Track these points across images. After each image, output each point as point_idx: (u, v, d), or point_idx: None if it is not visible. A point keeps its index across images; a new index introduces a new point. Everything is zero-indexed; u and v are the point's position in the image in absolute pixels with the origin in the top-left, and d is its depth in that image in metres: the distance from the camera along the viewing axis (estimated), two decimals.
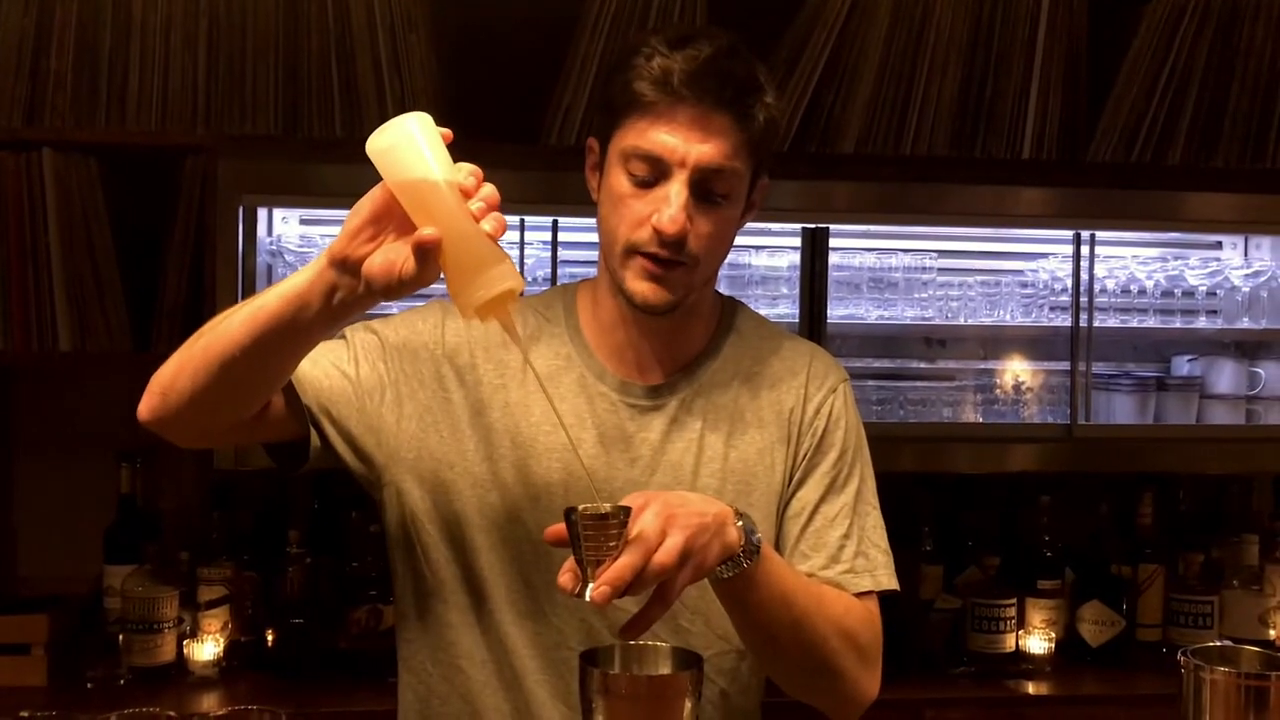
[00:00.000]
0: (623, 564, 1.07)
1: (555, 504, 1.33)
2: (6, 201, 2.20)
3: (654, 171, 1.30)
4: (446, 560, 1.39)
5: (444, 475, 1.38)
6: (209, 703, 2.10)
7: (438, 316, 1.43)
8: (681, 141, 1.28)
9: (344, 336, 1.41)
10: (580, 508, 1.06)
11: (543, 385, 1.25)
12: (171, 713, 1.14)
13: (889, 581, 1.40)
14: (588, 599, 1.05)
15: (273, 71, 2.26)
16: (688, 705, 1.03)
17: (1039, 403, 2.50)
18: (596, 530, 1.06)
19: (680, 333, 1.42)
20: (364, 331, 1.41)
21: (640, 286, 1.32)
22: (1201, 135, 2.46)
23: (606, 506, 1.07)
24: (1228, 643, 1.18)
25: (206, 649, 2.20)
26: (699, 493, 1.32)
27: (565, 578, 1.09)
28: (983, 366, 2.52)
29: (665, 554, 1.09)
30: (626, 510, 1.08)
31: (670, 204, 1.28)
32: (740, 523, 1.20)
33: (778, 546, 1.41)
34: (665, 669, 1.10)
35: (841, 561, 1.39)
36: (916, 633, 2.35)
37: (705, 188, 1.30)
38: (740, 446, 1.41)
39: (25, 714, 0.98)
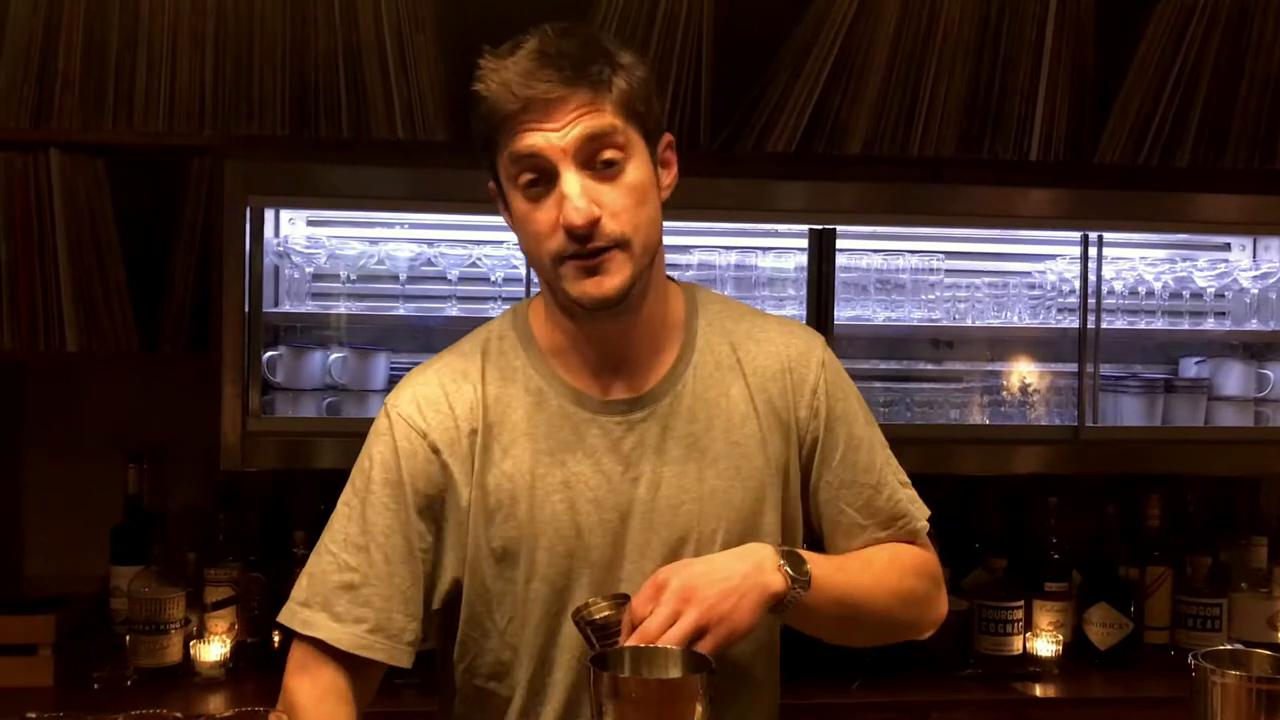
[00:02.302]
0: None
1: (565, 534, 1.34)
2: (14, 202, 2.21)
3: (542, 174, 1.27)
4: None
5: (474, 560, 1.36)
6: (215, 704, 2.10)
7: (398, 455, 1.36)
8: (552, 131, 1.25)
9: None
10: (585, 610, 1.16)
11: None
12: (178, 714, 1.14)
13: (926, 511, 1.47)
14: None
15: (279, 72, 2.26)
16: (698, 709, 1.02)
17: (1046, 404, 2.49)
18: (599, 631, 1.16)
19: (640, 333, 1.37)
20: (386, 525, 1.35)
21: (581, 287, 1.28)
22: (1210, 136, 2.45)
23: (605, 607, 1.16)
24: (1239, 646, 1.17)
25: (213, 650, 2.20)
26: (710, 497, 1.34)
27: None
28: (990, 368, 2.51)
29: (670, 638, 1.15)
30: (623, 603, 1.16)
31: (570, 196, 1.25)
32: (783, 563, 1.23)
33: (821, 524, 1.43)
34: (675, 672, 1.10)
35: (899, 519, 1.43)
36: None
37: (596, 158, 1.26)
38: (742, 441, 1.38)
39: (33, 715, 0.98)
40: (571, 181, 1.25)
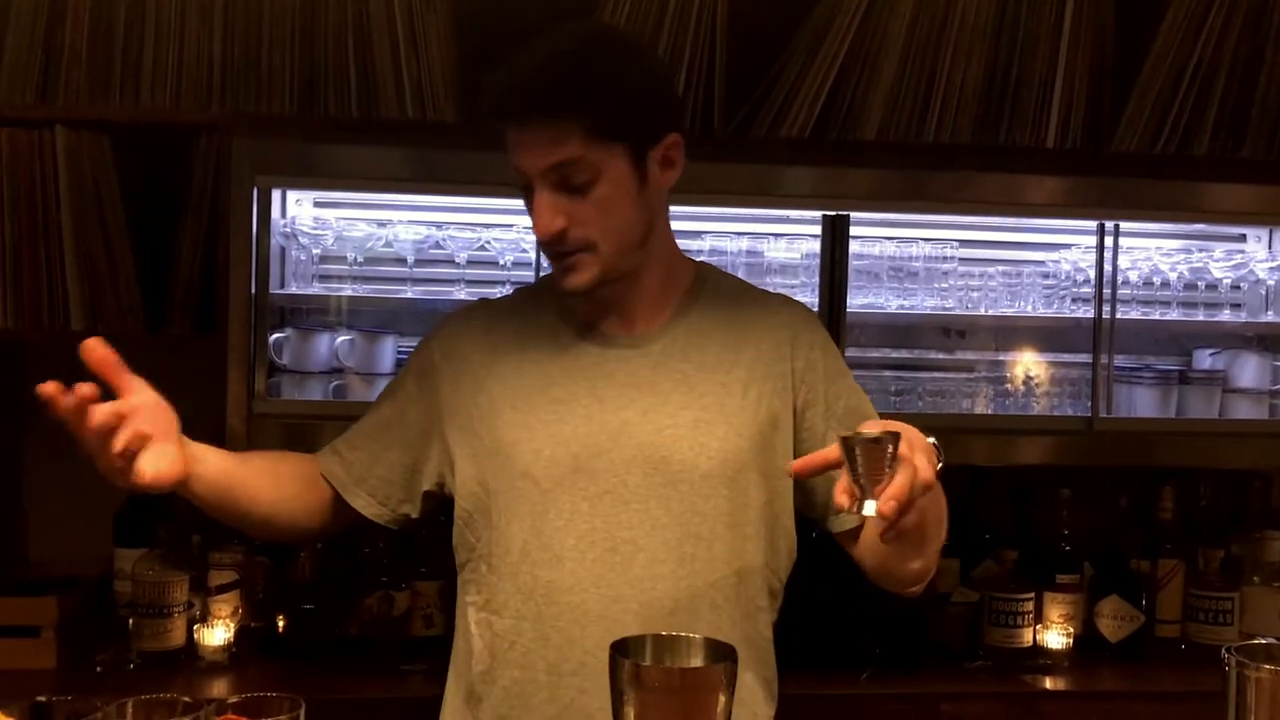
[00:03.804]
0: (901, 482, 1.16)
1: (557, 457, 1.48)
2: (19, 179, 2.18)
3: (529, 183, 1.46)
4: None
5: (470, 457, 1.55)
6: (219, 688, 2.08)
7: (421, 354, 1.65)
8: (526, 155, 1.44)
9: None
10: (854, 434, 1.16)
11: None
12: (187, 698, 1.13)
13: None
14: (870, 514, 1.15)
15: (289, 49, 2.22)
16: (721, 700, 1.00)
17: (1059, 395, 2.47)
18: (873, 454, 1.15)
19: (640, 296, 1.54)
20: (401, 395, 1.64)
21: (561, 279, 1.49)
22: (1229, 125, 2.42)
23: (875, 432, 1.16)
24: (1273, 640, 1.15)
25: (217, 634, 2.18)
26: (693, 425, 1.48)
27: (843, 498, 1.17)
28: (1003, 358, 2.49)
29: (924, 471, 1.19)
30: (895, 436, 1.16)
31: (537, 211, 1.45)
32: (931, 440, 1.29)
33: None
34: (698, 661, 1.08)
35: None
36: (933, 626, 2.33)
37: (566, 182, 1.43)
38: (729, 383, 1.51)
39: (42, 698, 0.96)
40: (542, 198, 1.44)
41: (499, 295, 1.75)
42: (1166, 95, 2.40)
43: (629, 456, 1.47)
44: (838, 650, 2.23)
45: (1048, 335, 2.49)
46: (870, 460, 1.15)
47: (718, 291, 1.60)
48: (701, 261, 1.67)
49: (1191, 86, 2.40)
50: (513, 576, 1.49)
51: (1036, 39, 2.37)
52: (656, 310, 1.56)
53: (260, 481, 1.54)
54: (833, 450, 1.19)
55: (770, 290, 1.68)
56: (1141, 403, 2.46)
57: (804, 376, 1.54)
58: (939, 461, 1.28)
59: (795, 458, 1.52)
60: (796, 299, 1.68)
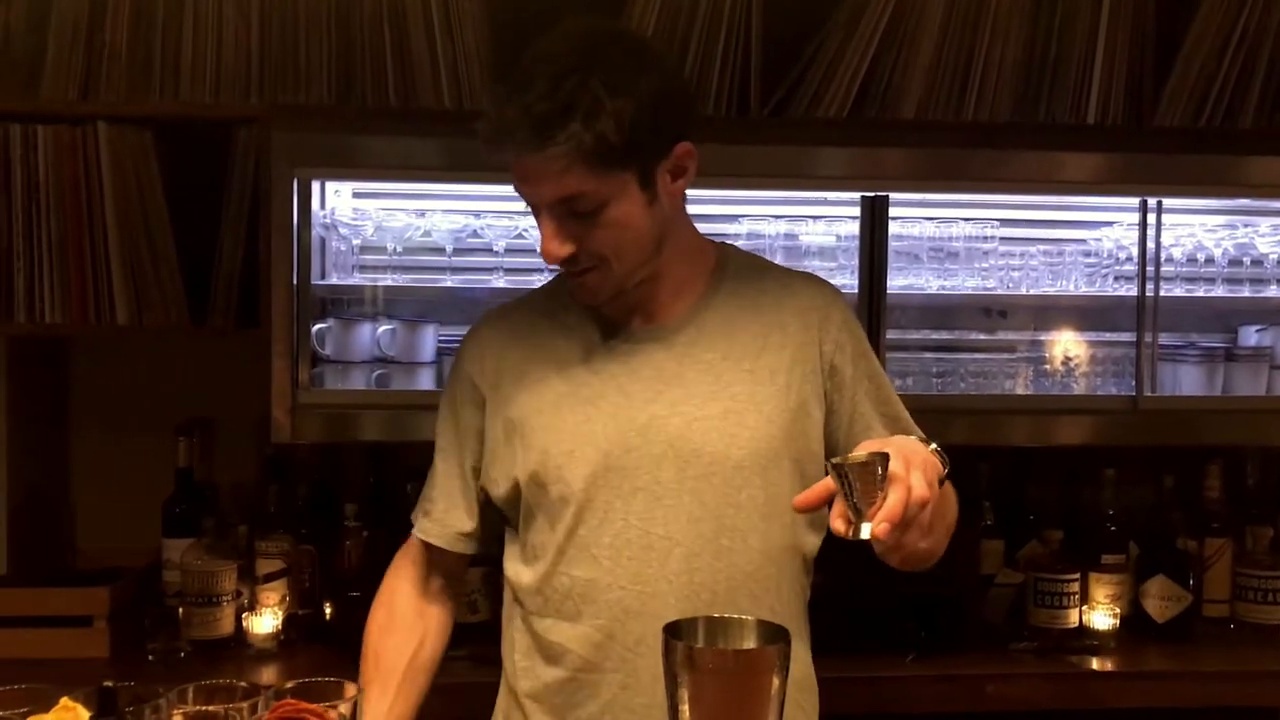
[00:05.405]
0: (894, 503, 1.14)
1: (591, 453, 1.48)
2: (63, 175, 2.20)
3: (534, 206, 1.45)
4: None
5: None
6: (268, 675, 2.11)
7: (460, 375, 1.63)
8: (527, 187, 1.42)
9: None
10: (845, 459, 1.16)
11: None
12: (245, 683, 1.14)
13: None
14: (865, 537, 1.14)
15: (325, 40, 2.23)
16: (775, 681, 1.00)
17: (1103, 374, 2.44)
18: (865, 477, 1.15)
19: (661, 286, 1.52)
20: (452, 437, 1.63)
21: (572, 290, 1.50)
22: (1275, 97, 2.37)
23: (864, 455, 1.16)
24: None
25: (265, 622, 2.21)
26: (723, 415, 1.47)
27: (838, 523, 1.16)
28: (1045, 338, 2.46)
29: (919, 489, 1.17)
30: (884, 456, 1.16)
31: (544, 238, 1.43)
32: (933, 446, 1.29)
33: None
34: (751, 643, 1.08)
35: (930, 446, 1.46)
36: (977, 608, 2.32)
37: (571, 210, 1.40)
38: (757, 370, 1.50)
39: (109, 683, 0.98)
40: (547, 226, 1.43)
41: (518, 297, 1.72)
42: (1210, 68, 2.36)
43: (660, 452, 1.47)
44: (883, 633, 2.23)
45: (1090, 314, 2.46)
46: (863, 483, 1.14)
47: (740, 274, 1.58)
48: (722, 242, 1.66)
49: (1235, 58, 2.36)
50: (549, 578, 1.50)
51: (1076, 13, 2.33)
52: (679, 298, 1.54)
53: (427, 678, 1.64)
54: (830, 480, 1.18)
55: (795, 270, 1.67)
56: (1187, 381, 2.43)
57: (832, 359, 1.54)
58: (945, 468, 1.29)
59: (825, 440, 1.54)
60: (820, 277, 1.67)
